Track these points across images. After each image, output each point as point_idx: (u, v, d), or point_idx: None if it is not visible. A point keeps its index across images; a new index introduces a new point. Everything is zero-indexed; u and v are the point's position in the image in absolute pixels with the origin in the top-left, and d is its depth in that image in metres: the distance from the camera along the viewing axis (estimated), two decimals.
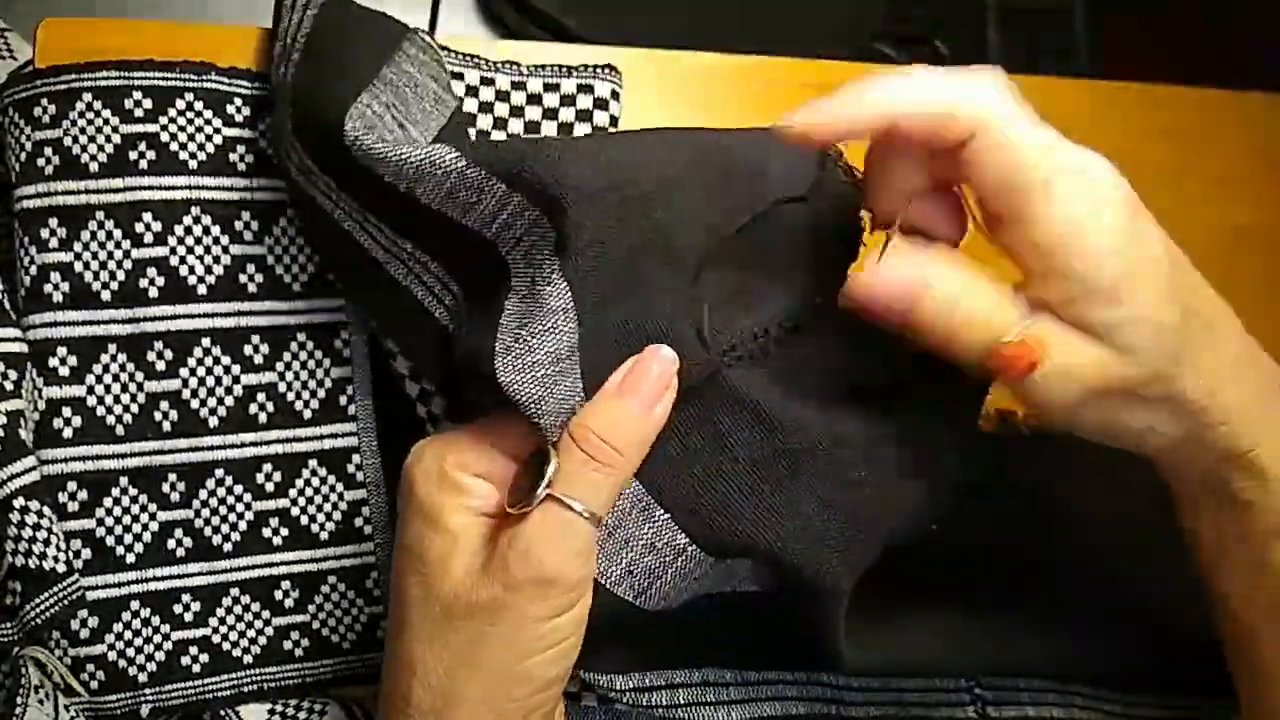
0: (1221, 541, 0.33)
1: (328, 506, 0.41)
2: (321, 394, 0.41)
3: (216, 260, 0.39)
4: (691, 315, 0.31)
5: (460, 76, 0.43)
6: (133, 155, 0.39)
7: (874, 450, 0.32)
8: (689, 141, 0.33)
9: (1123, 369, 0.29)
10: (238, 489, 0.40)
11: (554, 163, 0.31)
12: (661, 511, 0.32)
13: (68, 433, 0.38)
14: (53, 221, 0.38)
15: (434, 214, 0.33)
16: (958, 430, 0.34)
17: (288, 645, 0.40)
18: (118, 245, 0.39)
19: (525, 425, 0.31)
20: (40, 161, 0.38)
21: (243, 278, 0.40)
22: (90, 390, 0.39)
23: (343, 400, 0.41)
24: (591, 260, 0.31)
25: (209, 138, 0.40)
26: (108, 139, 0.39)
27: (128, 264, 0.39)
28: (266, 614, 0.40)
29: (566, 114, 0.43)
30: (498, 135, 0.43)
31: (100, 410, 0.39)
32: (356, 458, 0.41)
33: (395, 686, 0.31)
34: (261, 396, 0.40)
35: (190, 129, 0.39)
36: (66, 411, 0.38)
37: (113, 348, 0.39)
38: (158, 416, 0.39)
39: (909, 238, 0.30)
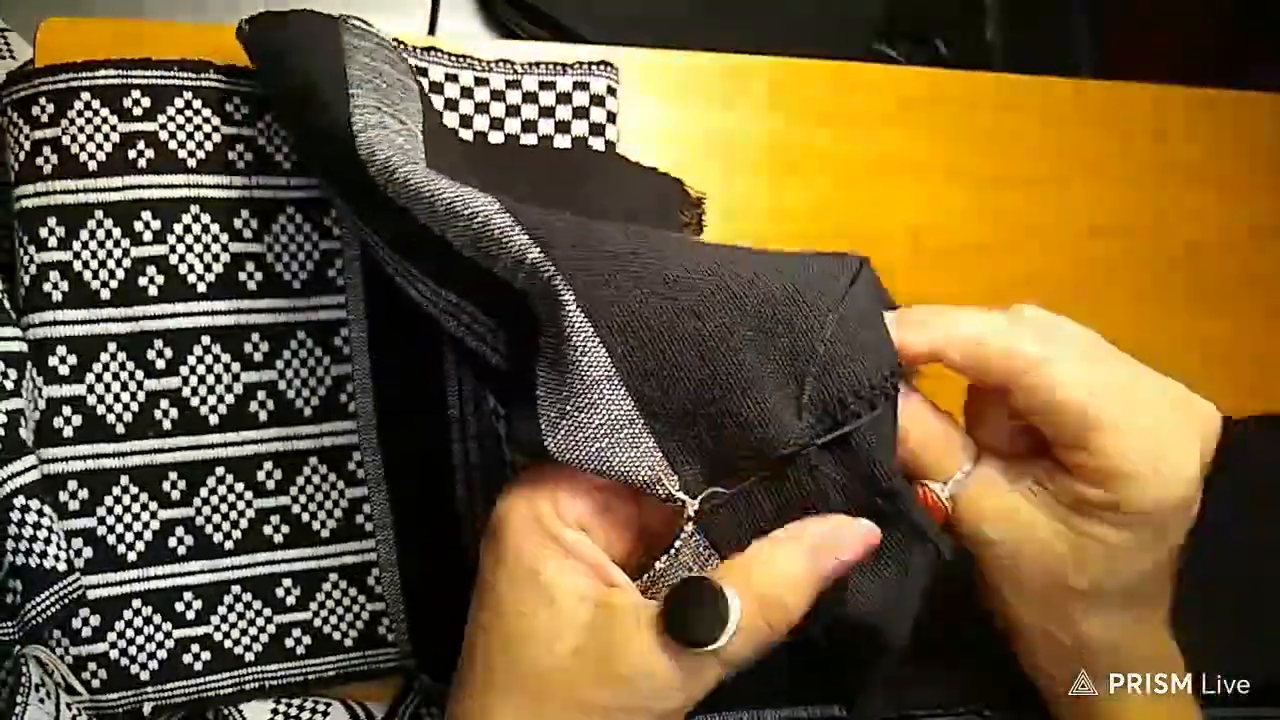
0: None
1: (328, 504, 0.41)
2: (321, 391, 0.41)
3: (216, 258, 0.39)
4: (785, 388, 0.30)
5: (455, 78, 0.43)
6: (131, 154, 0.39)
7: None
8: (715, 260, 0.31)
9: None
10: (238, 487, 0.40)
11: (570, 223, 0.30)
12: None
13: (68, 431, 0.38)
14: (52, 220, 0.38)
15: (467, 260, 0.31)
16: None
17: (289, 643, 0.40)
18: (117, 244, 0.39)
19: None
20: (39, 161, 0.38)
21: (242, 275, 0.40)
22: (90, 389, 0.39)
23: (342, 398, 0.41)
24: (630, 331, 0.30)
25: (208, 136, 0.40)
26: (106, 138, 0.39)
27: (127, 262, 0.39)
28: (268, 612, 0.40)
29: (563, 111, 0.43)
30: (495, 136, 0.43)
31: (100, 409, 0.39)
32: (357, 455, 0.41)
33: None
34: (261, 394, 0.40)
35: (189, 127, 0.39)
36: (67, 410, 0.39)
37: (112, 346, 0.39)
38: (158, 415, 0.39)
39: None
